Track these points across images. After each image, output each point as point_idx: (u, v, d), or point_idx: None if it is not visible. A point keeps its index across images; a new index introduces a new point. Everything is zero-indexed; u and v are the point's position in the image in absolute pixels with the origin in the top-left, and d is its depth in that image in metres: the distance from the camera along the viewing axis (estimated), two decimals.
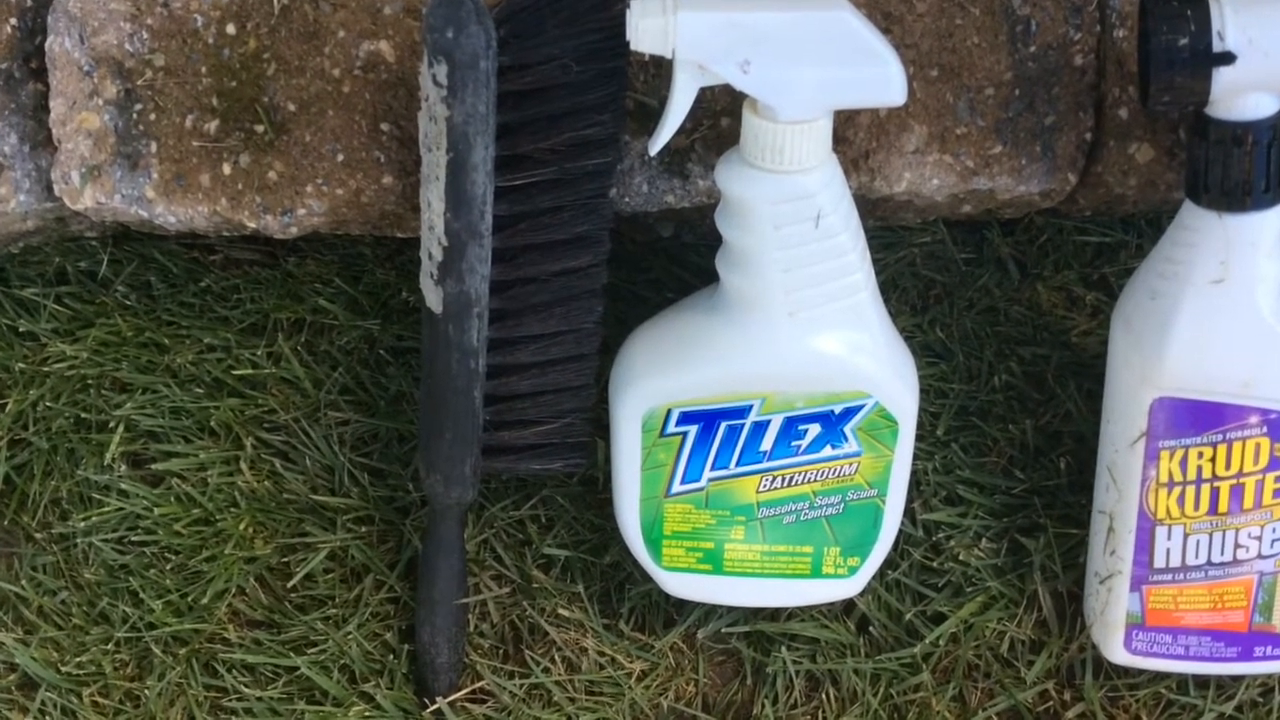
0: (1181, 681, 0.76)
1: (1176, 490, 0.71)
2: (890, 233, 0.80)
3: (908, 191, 0.73)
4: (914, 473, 0.76)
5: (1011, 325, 0.80)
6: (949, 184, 0.73)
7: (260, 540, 0.79)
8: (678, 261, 0.80)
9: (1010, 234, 0.81)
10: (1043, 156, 0.73)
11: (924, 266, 0.80)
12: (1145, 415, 0.70)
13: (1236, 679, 0.76)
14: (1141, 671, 0.76)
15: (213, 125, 0.72)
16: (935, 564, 0.78)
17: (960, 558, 0.78)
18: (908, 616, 0.77)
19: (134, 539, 0.79)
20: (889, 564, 0.77)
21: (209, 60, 0.72)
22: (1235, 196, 0.67)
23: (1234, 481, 0.71)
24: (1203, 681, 0.76)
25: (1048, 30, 0.72)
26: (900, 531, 0.75)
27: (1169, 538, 0.72)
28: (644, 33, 0.64)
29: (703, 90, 0.65)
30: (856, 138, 0.73)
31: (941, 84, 0.72)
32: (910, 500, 0.77)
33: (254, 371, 0.80)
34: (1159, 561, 0.73)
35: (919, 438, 0.76)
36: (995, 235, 0.80)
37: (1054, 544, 0.78)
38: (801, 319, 0.69)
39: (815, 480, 0.73)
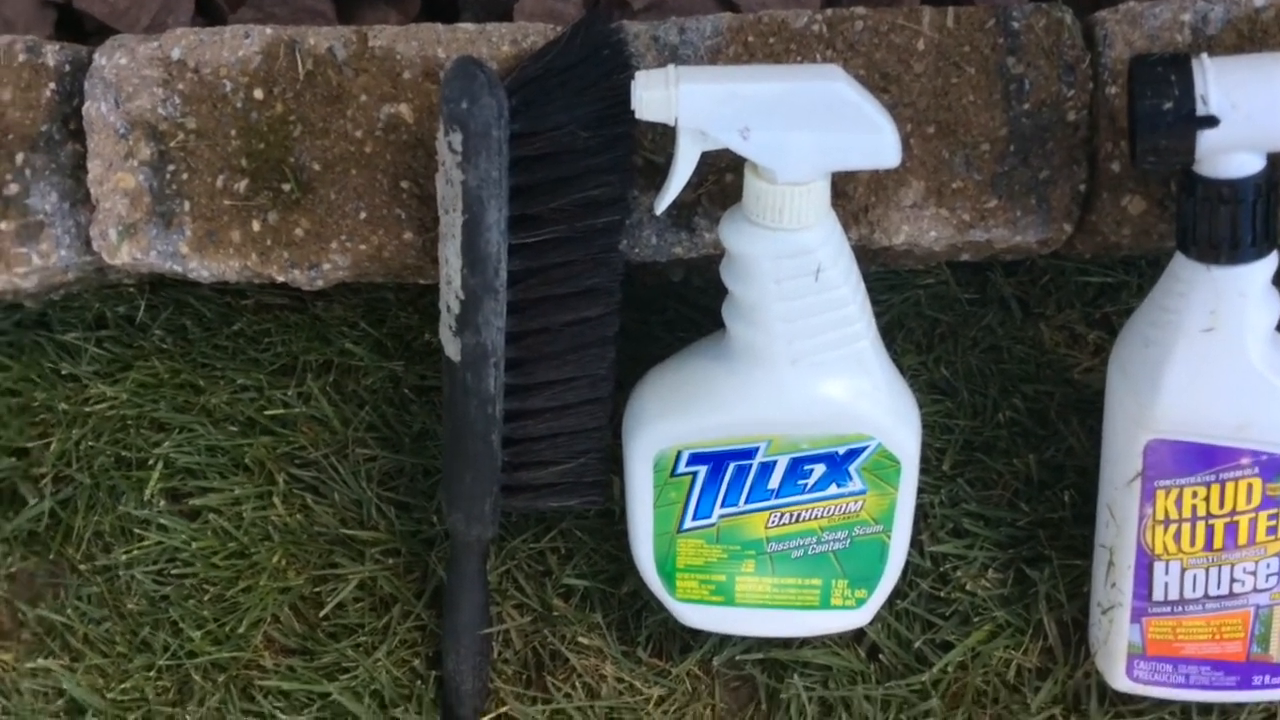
0: (1184, 708, 0.77)
1: (1173, 528, 0.73)
2: (895, 275, 0.81)
3: (906, 243, 0.75)
4: (921, 506, 0.77)
5: (1015, 363, 0.81)
6: (946, 236, 0.74)
7: (293, 571, 0.82)
8: (688, 303, 0.81)
9: (1013, 275, 0.81)
10: (1038, 208, 0.74)
11: (928, 307, 0.82)
12: (1141, 456, 0.72)
13: (1238, 705, 0.77)
14: (1145, 698, 0.77)
15: (242, 185, 0.74)
16: (943, 594, 0.79)
17: (967, 588, 0.79)
18: (917, 644, 0.79)
19: (173, 571, 0.82)
20: (898, 593, 0.78)
21: (238, 123, 0.74)
22: (1223, 250, 0.68)
23: (1228, 519, 0.72)
24: (1205, 708, 0.77)
25: (1041, 88, 0.73)
26: (908, 562, 0.77)
27: (1167, 572, 0.74)
28: (648, 103, 0.66)
29: None
30: (856, 193, 0.74)
31: (938, 140, 0.73)
32: (918, 532, 0.78)
33: (285, 411, 0.82)
34: (1158, 595, 0.74)
35: (926, 471, 0.77)
36: (998, 276, 0.81)
37: (1059, 574, 0.79)
38: (804, 366, 0.71)
39: (822, 517, 0.75)
